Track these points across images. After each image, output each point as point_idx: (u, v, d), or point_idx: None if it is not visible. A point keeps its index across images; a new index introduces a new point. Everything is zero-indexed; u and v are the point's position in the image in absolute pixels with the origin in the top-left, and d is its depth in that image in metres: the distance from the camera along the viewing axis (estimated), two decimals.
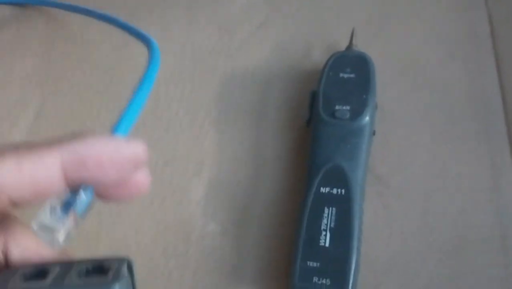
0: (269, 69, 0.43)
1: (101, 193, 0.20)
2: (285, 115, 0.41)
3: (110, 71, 0.45)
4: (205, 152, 0.41)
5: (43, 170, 0.18)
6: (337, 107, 0.36)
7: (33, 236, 0.19)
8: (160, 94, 0.43)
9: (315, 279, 0.32)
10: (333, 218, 0.33)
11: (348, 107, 0.36)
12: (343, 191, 0.33)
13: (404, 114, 0.39)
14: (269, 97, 0.42)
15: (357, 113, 0.35)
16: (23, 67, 0.46)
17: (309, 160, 0.36)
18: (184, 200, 0.39)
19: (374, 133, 0.37)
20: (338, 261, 0.32)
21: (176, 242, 0.37)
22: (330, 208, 0.33)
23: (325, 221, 0.33)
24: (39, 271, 0.18)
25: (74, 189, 0.18)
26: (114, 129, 0.20)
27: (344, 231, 0.32)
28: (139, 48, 0.44)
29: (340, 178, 0.34)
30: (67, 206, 0.18)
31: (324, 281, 0.31)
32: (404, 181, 0.37)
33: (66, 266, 0.18)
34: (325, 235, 0.32)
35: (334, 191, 0.33)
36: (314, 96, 0.38)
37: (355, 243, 0.32)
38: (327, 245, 0.32)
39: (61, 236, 0.18)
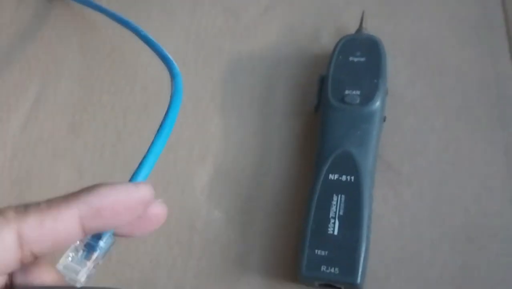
0: (276, 53, 0.42)
1: (119, 233, 0.22)
2: (293, 100, 0.40)
3: (111, 54, 0.44)
4: (210, 138, 0.40)
5: (63, 225, 0.20)
6: (346, 92, 0.35)
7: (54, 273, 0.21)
8: (163, 78, 0.42)
9: (323, 267, 0.31)
10: (342, 205, 0.32)
11: (358, 92, 0.35)
12: (352, 178, 0.33)
13: (415, 100, 0.39)
14: (276, 82, 0.41)
15: (367, 98, 0.35)
16: (22, 51, 0.45)
17: (318, 146, 0.35)
18: (188, 187, 0.39)
19: (384, 119, 0.36)
20: (347, 250, 0.31)
21: (180, 230, 0.37)
22: (339, 196, 0.33)
23: (333, 208, 0.32)
24: None
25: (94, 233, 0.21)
26: (133, 176, 0.23)
27: (353, 219, 0.32)
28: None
29: (350, 165, 0.33)
30: (89, 249, 0.21)
31: (332, 270, 0.31)
32: (415, 168, 0.37)
33: None
34: (334, 223, 0.32)
35: (343, 178, 0.33)
36: (322, 81, 0.37)
37: (364, 231, 0.32)
38: (335, 233, 0.32)
39: (83, 277, 0.20)
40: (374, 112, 0.35)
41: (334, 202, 0.32)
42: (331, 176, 0.33)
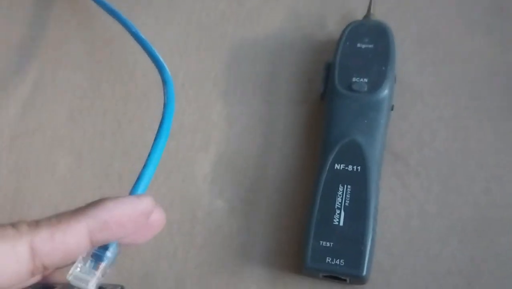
0: (280, 39, 0.42)
1: (123, 243, 0.24)
2: (297, 88, 0.40)
3: (112, 41, 0.44)
4: (212, 125, 0.40)
5: (72, 238, 0.21)
6: (354, 79, 0.35)
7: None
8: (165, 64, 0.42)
9: (328, 259, 0.31)
10: (348, 196, 0.32)
11: (366, 80, 0.34)
12: (359, 167, 0.32)
13: (424, 89, 0.38)
14: (280, 69, 0.40)
15: (375, 86, 0.34)
16: (20, 36, 0.45)
17: (323, 135, 0.35)
18: (190, 175, 0.38)
19: (392, 108, 0.35)
20: (352, 241, 0.31)
21: (181, 219, 0.37)
22: (345, 186, 0.32)
23: (339, 199, 0.32)
24: None
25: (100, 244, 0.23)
26: (134, 188, 0.25)
27: (359, 210, 0.31)
28: (141, 19, 0.43)
29: (356, 154, 0.33)
30: (97, 259, 0.22)
31: (337, 262, 0.31)
32: (423, 159, 0.36)
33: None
34: (339, 214, 0.32)
35: (350, 167, 0.33)
36: (329, 68, 0.37)
37: (371, 223, 0.31)
38: (341, 224, 0.31)
39: (92, 286, 0.22)
40: (382, 100, 0.34)
41: (340, 192, 0.32)
42: (337, 166, 0.33)
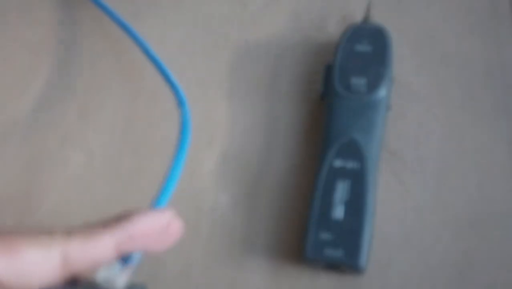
0: (282, 41, 0.43)
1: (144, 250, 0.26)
2: (299, 88, 0.41)
3: (121, 38, 0.45)
4: (217, 124, 0.41)
5: (101, 249, 0.24)
6: (353, 80, 0.37)
7: None
8: (171, 66, 0.43)
9: (327, 250, 0.33)
10: (347, 191, 0.34)
11: (364, 81, 0.36)
12: (357, 164, 0.34)
13: (420, 89, 0.40)
14: (282, 70, 0.42)
15: (373, 86, 0.36)
16: (33, 33, 0.46)
17: (323, 133, 0.37)
18: (195, 171, 0.40)
19: (390, 108, 0.37)
20: (351, 234, 0.33)
21: (187, 213, 0.38)
22: (344, 181, 0.34)
23: (338, 194, 0.34)
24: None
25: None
26: (157, 202, 0.28)
27: (358, 205, 0.33)
28: (154, 19, 0.45)
29: (355, 152, 0.35)
30: (123, 262, 0.25)
31: (337, 252, 0.32)
32: (419, 156, 0.38)
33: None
34: (339, 208, 0.33)
35: (349, 164, 0.34)
36: (329, 69, 0.38)
37: (369, 217, 0.33)
38: (340, 217, 0.33)
39: (119, 286, 0.24)
40: (379, 100, 0.36)
41: (339, 188, 0.34)
42: (336, 163, 0.35)
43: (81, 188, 0.41)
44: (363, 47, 0.38)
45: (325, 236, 0.33)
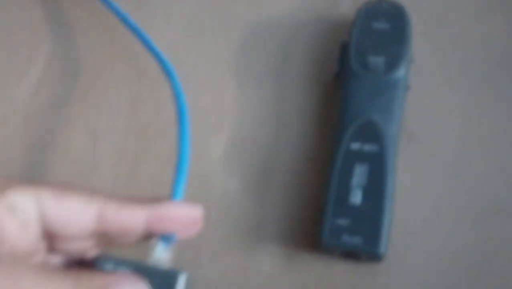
0: (293, 20, 0.42)
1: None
2: (311, 69, 0.40)
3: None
4: (226, 107, 0.40)
5: (132, 218, 0.27)
6: (370, 59, 0.35)
7: None
8: (177, 46, 0.42)
9: (345, 236, 0.31)
10: (365, 175, 0.32)
11: (382, 59, 0.35)
12: (376, 147, 0.33)
13: (438, 70, 0.39)
14: (294, 50, 0.41)
15: (392, 65, 0.35)
16: (33, 14, 0.45)
17: (339, 114, 0.35)
18: (203, 156, 0.39)
19: (408, 88, 0.36)
20: (370, 219, 0.32)
21: (196, 199, 0.37)
22: (362, 165, 0.33)
23: (356, 178, 0.32)
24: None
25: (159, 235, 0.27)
26: (172, 195, 0.29)
27: (377, 189, 0.32)
28: (154, 2, 0.43)
29: (373, 133, 0.33)
30: (164, 242, 0.27)
31: (355, 239, 0.31)
32: (438, 139, 0.37)
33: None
34: (357, 193, 0.32)
35: (366, 146, 0.33)
36: (344, 47, 0.37)
37: (388, 201, 0.32)
38: (358, 203, 0.32)
39: (166, 262, 0.27)
40: (398, 80, 0.34)
41: (356, 171, 0.33)
42: (353, 145, 0.33)
43: (85, 170, 0.39)
44: (380, 24, 0.36)
45: (342, 222, 0.32)
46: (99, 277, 0.25)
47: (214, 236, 0.36)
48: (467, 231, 0.34)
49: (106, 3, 0.42)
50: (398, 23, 0.36)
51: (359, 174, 0.32)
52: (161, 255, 0.27)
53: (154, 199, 0.27)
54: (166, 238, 0.27)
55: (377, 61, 0.35)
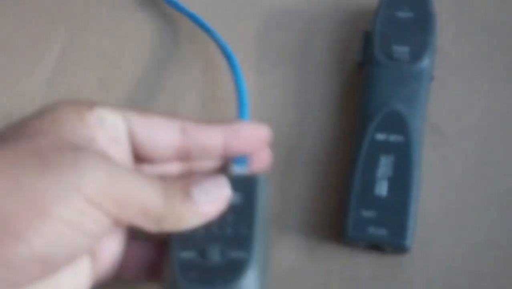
0: (315, 7, 0.41)
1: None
2: (333, 57, 0.39)
3: (141, 5, 0.43)
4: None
5: (212, 136, 0.29)
6: (394, 48, 0.35)
7: None
8: (195, 32, 0.41)
9: (370, 228, 0.31)
10: (391, 166, 0.32)
11: (406, 49, 0.34)
12: (401, 137, 0.32)
13: (460, 59, 0.38)
14: (315, 38, 0.40)
15: (417, 55, 0.34)
16: (46, 0, 0.44)
17: (362, 105, 0.35)
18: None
19: (433, 78, 0.35)
20: (396, 211, 0.31)
21: None
22: (387, 156, 0.32)
23: (381, 169, 0.32)
24: None
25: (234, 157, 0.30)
26: (240, 116, 0.33)
27: (403, 180, 0.32)
28: None
29: (398, 124, 0.33)
30: (242, 164, 0.30)
31: (380, 231, 0.31)
32: (461, 130, 0.36)
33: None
34: (382, 184, 0.32)
35: (392, 137, 0.33)
36: (367, 36, 0.36)
37: (414, 193, 0.32)
38: (384, 194, 0.32)
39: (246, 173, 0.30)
40: (423, 70, 0.34)
41: (382, 163, 0.32)
42: (378, 136, 0.33)
43: None
44: (404, 13, 0.36)
45: (367, 214, 0.31)
46: (182, 179, 0.27)
47: None
48: (492, 223, 0.34)
49: None
50: (423, 12, 0.36)
51: (385, 165, 0.32)
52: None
53: (225, 121, 0.29)
54: (241, 159, 0.29)
55: (401, 50, 0.34)
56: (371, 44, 0.35)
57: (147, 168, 0.29)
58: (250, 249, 0.26)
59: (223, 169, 0.30)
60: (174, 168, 0.30)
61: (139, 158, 0.28)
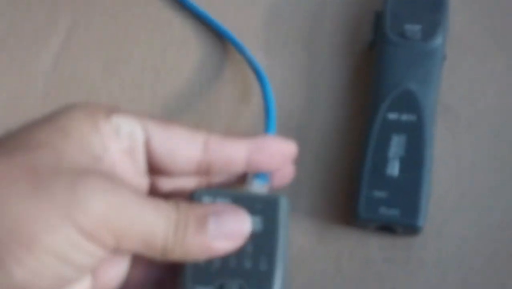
0: None
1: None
2: (343, 38, 0.39)
3: None
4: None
5: (235, 150, 0.27)
6: (406, 27, 0.34)
7: None
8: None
9: (382, 209, 0.31)
10: (403, 146, 0.32)
11: (419, 27, 0.34)
12: (414, 117, 0.32)
13: (475, 40, 0.38)
14: (324, 18, 0.40)
15: (429, 34, 0.34)
16: None
17: (374, 84, 0.34)
18: (231, 127, 0.38)
19: (445, 58, 0.35)
20: (408, 191, 0.31)
21: None
22: (399, 135, 0.32)
23: (393, 149, 0.32)
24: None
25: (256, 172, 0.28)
26: (267, 131, 0.32)
27: (415, 160, 0.31)
28: None
29: (411, 103, 0.32)
30: (263, 180, 0.28)
31: (392, 212, 0.30)
32: (474, 112, 0.36)
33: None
34: (394, 164, 0.31)
35: (404, 117, 0.32)
36: (378, 16, 0.36)
37: (427, 173, 0.31)
38: (395, 174, 0.31)
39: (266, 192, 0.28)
40: (436, 48, 0.34)
41: (394, 142, 0.32)
42: (390, 115, 0.32)
43: None
44: None
45: (379, 194, 0.31)
46: (198, 206, 0.25)
47: None
48: (506, 205, 0.33)
49: None
50: None
51: (397, 145, 0.32)
52: (258, 190, 0.27)
53: (251, 136, 0.28)
54: (262, 175, 0.27)
55: (413, 29, 0.34)
56: (383, 23, 0.35)
57: (163, 181, 0.27)
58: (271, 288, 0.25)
59: (242, 182, 0.28)
60: (192, 181, 0.28)
61: (156, 170, 0.26)
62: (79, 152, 0.24)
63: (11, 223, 0.21)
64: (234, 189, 0.28)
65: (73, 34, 0.42)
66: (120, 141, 0.25)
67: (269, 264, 0.25)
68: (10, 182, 0.22)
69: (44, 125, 0.24)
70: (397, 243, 0.33)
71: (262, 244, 0.25)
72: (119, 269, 0.26)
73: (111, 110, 0.25)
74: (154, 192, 0.27)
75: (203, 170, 0.26)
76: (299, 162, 0.36)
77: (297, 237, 0.34)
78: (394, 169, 0.31)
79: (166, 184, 0.27)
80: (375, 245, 0.33)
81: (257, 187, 0.27)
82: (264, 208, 0.26)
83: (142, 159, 0.26)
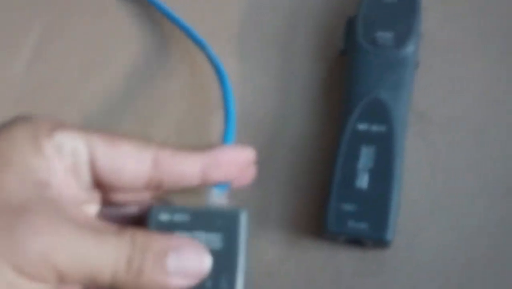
0: None
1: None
2: (316, 43, 0.38)
3: None
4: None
5: (189, 165, 0.25)
6: (378, 34, 0.33)
7: None
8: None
9: (350, 222, 0.30)
10: (372, 157, 0.31)
11: (391, 34, 0.33)
12: (384, 127, 0.31)
13: (449, 43, 0.37)
14: (298, 23, 0.39)
15: (401, 41, 0.33)
16: None
17: (345, 93, 0.34)
18: (203, 134, 0.37)
19: (418, 65, 0.34)
20: (377, 204, 0.30)
21: None
22: (369, 146, 0.31)
23: (363, 160, 0.31)
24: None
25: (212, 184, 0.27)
26: (224, 141, 0.30)
27: (384, 172, 0.31)
28: None
29: (381, 113, 0.32)
30: (222, 188, 0.27)
31: (361, 225, 0.30)
32: (450, 116, 0.35)
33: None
34: (363, 176, 0.31)
35: (374, 127, 0.32)
36: (351, 23, 0.35)
37: (396, 185, 0.31)
38: (364, 187, 0.31)
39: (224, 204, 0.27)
40: (408, 56, 0.33)
41: (363, 154, 0.31)
42: (360, 126, 0.32)
43: None
44: None
45: (348, 207, 0.30)
46: (157, 240, 0.24)
47: None
48: (481, 214, 0.33)
49: None
50: None
51: (366, 156, 0.31)
52: (216, 201, 0.27)
53: (206, 146, 0.27)
54: (220, 185, 0.27)
55: (385, 36, 0.33)
56: (355, 30, 0.34)
57: (115, 196, 0.27)
58: None
59: (201, 191, 0.27)
60: (143, 195, 0.27)
61: (103, 186, 0.26)
62: (21, 181, 0.23)
63: None
64: (192, 203, 0.27)
65: (46, 37, 0.42)
66: (63, 159, 0.24)
67: (229, 283, 0.25)
68: None
69: None
70: (368, 255, 0.32)
71: (222, 262, 0.25)
72: None
73: (54, 126, 0.24)
74: (107, 203, 0.27)
75: (154, 186, 0.26)
76: (269, 171, 0.36)
77: (267, 249, 0.34)
78: (363, 181, 0.31)
79: (120, 195, 0.27)
80: (345, 259, 0.33)
81: (216, 196, 0.27)
82: (224, 224, 0.25)
83: (87, 175, 0.25)
